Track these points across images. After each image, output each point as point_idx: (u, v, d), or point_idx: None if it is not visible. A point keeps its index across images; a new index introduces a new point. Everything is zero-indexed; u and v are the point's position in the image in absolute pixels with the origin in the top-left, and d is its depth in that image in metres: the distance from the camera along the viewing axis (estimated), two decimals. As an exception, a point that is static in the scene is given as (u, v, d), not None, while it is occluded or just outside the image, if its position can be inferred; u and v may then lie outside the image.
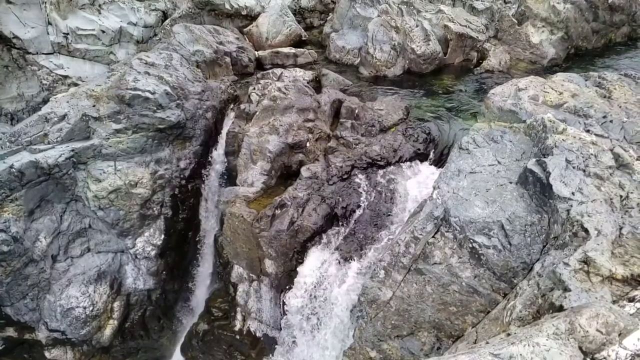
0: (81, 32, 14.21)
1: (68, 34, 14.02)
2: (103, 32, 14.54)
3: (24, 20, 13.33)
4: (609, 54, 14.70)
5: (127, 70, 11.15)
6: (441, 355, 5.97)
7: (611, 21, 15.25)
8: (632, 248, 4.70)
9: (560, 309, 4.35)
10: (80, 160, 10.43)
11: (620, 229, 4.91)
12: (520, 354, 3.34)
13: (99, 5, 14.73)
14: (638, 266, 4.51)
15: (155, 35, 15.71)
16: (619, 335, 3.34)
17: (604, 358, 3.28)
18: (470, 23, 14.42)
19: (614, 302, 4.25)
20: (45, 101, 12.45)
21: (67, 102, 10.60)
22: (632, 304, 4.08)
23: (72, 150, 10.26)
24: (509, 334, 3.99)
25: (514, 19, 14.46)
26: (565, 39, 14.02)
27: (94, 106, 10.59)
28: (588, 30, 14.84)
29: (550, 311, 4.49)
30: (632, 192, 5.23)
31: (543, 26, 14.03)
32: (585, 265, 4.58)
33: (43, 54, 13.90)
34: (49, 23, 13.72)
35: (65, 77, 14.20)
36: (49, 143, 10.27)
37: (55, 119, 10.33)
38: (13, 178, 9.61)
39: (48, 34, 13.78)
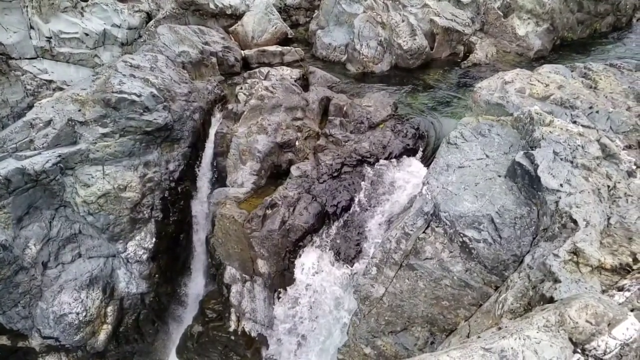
0: (64, 36, 14.03)
1: (51, 37, 13.84)
2: (87, 35, 14.37)
3: (6, 24, 13.13)
4: (594, 44, 14.79)
5: (112, 73, 11.02)
6: (435, 349, 6.00)
7: (596, 11, 15.36)
8: (620, 237, 4.74)
9: (551, 300, 4.38)
10: (67, 166, 10.31)
11: (609, 218, 4.96)
12: (512, 347, 3.35)
13: (82, 8, 14.55)
14: (626, 255, 4.55)
15: (140, 37, 15.57)
16: (609, 325, 3.37)
17: (594, 348, 3.31)
18: (456, 17, 14.44)
19: (603, 291, 4.28)
20: (30, 107, 12.29)
21: (52, 107, 10.47)
22: (621, 293, 4.11)
23: (59, 156, 10.15)
24: (500, 327, 4.00)
25: (499, 12, 14.49)
26: (550, 30, 14.08)
27: (79, 110, 10.47)
28: (573, 21, 14.93)
29: (541, 303, 4.51)
30: (619, 182, 5.28)
31: (529, 18, 14.08)
32: (575, 256, 4.61)
33: (26, 58, 13.71)
34: (31, 27, 13.52)
35: (50, 81, 14.02)
36: (35, 149, 10.14)
37: (41, 124, 10.22)
38: (-1, 186, 9.52)
39: (31, 38, 13.59)
